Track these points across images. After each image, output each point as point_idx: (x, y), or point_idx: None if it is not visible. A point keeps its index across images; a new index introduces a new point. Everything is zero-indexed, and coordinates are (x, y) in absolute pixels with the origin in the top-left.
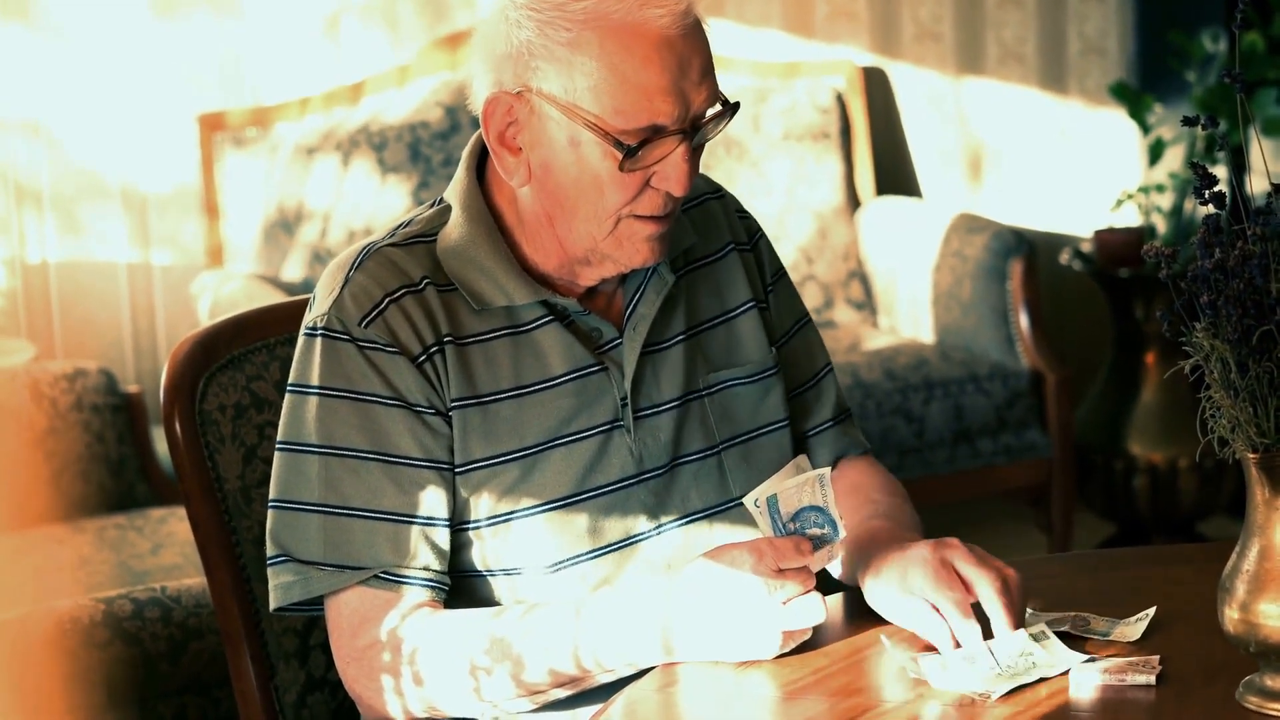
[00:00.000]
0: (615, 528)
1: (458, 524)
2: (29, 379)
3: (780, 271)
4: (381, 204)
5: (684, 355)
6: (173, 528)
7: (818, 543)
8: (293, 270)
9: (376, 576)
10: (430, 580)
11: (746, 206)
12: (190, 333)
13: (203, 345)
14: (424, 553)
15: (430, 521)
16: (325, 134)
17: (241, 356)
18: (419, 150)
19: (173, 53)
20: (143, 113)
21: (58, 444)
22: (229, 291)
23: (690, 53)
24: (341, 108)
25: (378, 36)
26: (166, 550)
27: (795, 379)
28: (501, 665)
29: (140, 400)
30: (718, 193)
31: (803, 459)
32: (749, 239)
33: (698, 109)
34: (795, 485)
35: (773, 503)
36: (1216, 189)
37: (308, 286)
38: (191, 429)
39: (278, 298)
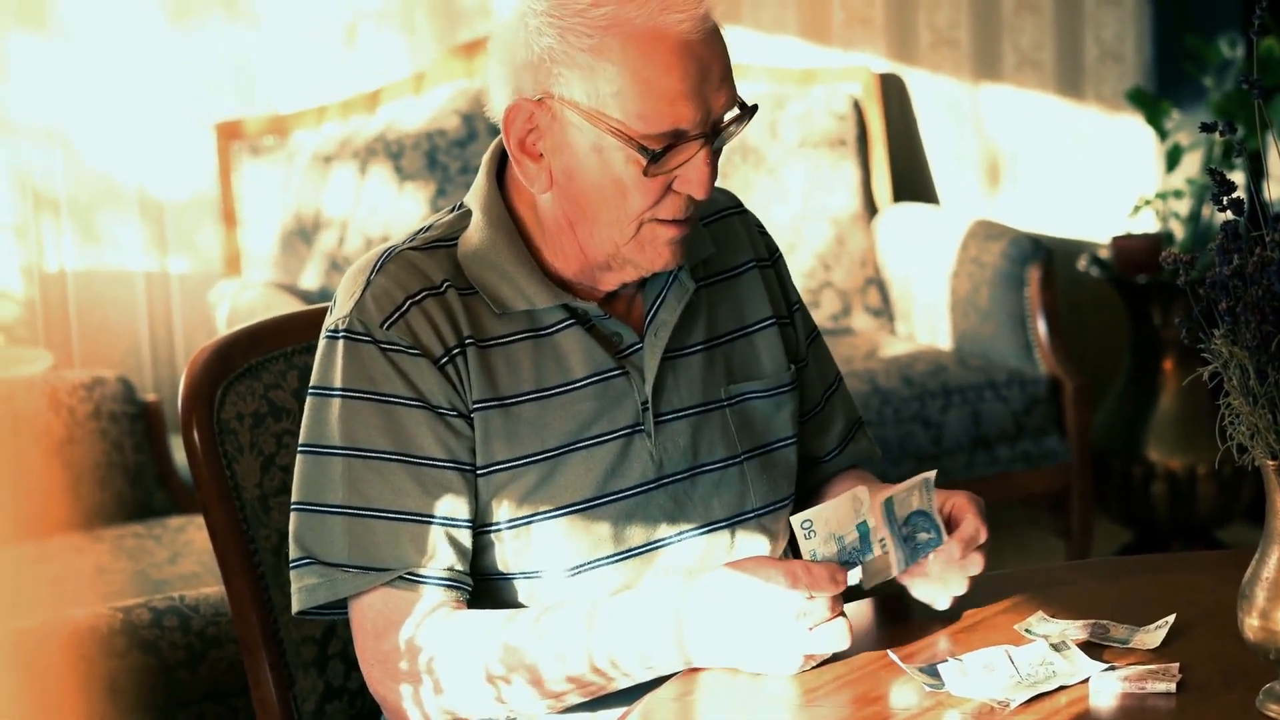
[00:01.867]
0: (636, 533)
1: (479, 526)
2: (47, 388)
3: (795, 289)
4: (398, 212)
5: (704, 364)
6: (190, 536)
7: (924, 548)
8: (310, 278)
9: (401, 578)
10: (454, 580)
11: (764, 213)
12: (208, 341)
13: (220, 354)
14: (447, 553)
15: (453, 522)
16: (342, 142)
17: (259, 365)
18: (436, 158)
19: (190, 61)
20: (160, 121)
21: (75, 453)
22: (246, 300)
23: (711, 57)
24: (358, 116)
25: (394, 44)
26: (184, 559)
27: (809, 397)
28: (517, 673)
29: (158, 409)
30: (738, 208)
31: (861, 490)
32: (769, 256)
33: (718, 113)
34: (905, 490)
35: (889, 506)
36: (1234, 195)
37: (325, 295)
38: (209, 438)
39: (295, 306)
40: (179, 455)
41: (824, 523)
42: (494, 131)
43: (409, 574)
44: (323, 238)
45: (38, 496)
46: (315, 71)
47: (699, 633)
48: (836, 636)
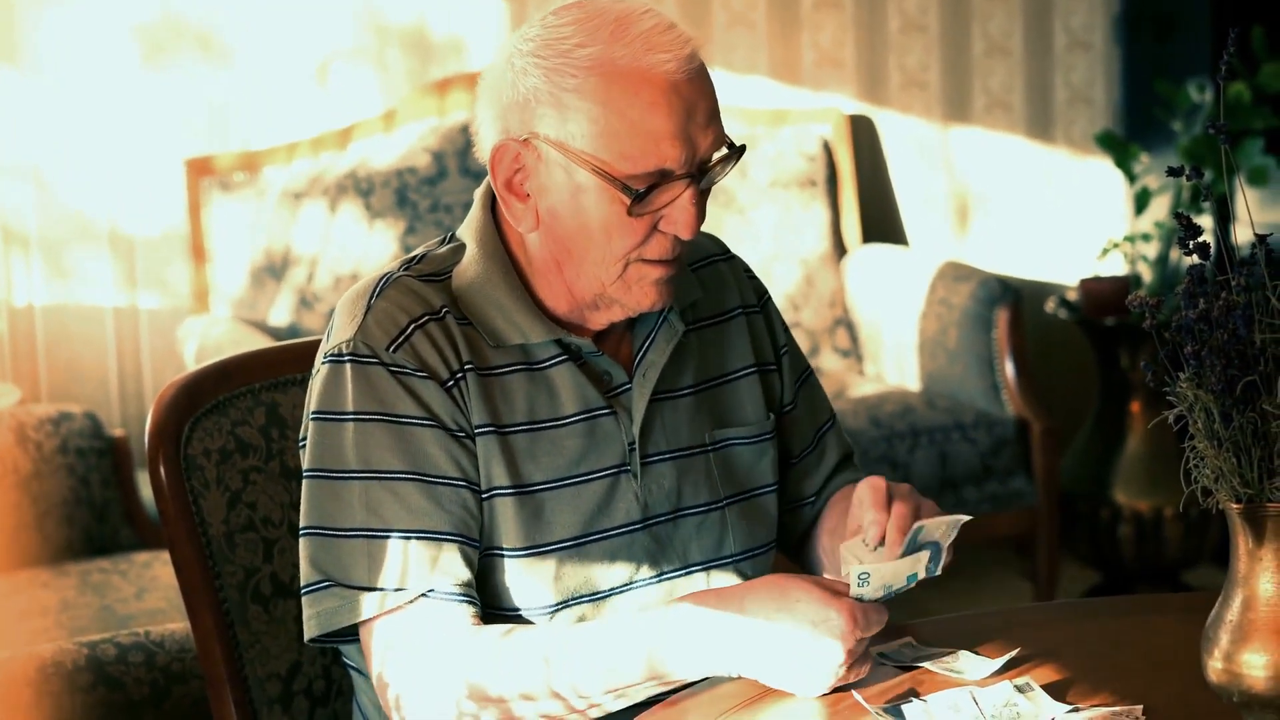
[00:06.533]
0: (617, 573)
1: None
2: (14, 422)
3: (787, 330)
4: (368, 249)
5: (692, 407)
6: (157, 572)
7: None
8: (279, 314)
9: (422, 596)
10: (470, 597)
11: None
12: (176, 377)
13: (188, 390)
14: (463, 570)
15: (468, 541)
16: (313, 179)
17: (227, 401)
18: (406, 196)
19: (162, 97)
20: (131, 157)
21: (42, 487)
22: (215, 336)
23: (696, 97)
24: (329, 153)
25: (366, 82)
26: (150, 594)
27: (800, 438)
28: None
29: (125, 444)
30: (726, 255)
31: (923, 553)
32: (758, 300)
33: (704, 153)
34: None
35: (915, 534)
36: (1201, 239)
37: (295, 331)
38: (176, 474)
39: (264, 342)
40: (145, 491)
41: (880, 576)
42: (464, 170)
43: (430, 592)
44: (292, 274)
45: (3, 531)
46: (286, 108)
47: (736, 632)
48: (865, 666)
